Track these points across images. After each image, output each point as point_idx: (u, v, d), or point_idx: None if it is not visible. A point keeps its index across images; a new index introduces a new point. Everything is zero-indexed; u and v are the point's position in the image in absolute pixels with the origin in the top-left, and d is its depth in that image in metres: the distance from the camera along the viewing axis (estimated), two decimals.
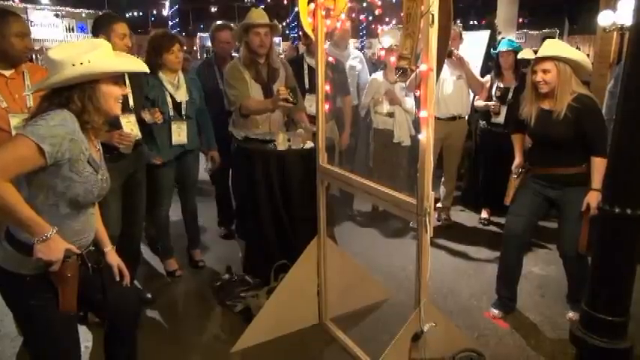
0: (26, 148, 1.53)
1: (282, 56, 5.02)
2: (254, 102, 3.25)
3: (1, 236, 1.71)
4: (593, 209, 2.55)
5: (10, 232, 1.68)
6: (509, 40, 4.42)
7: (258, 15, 3.26)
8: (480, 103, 4.40)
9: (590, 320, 1.46)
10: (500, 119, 4.26)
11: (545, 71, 2.66)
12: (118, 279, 1.96)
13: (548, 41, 2.80)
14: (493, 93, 4.28)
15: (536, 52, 2.90)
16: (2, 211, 1.53)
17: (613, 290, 1.43)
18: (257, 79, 3.31)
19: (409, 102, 4.20)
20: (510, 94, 4.18)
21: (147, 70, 1.88)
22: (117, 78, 1.76)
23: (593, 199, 2.56)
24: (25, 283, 1.66)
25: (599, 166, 2.56)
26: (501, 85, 4.25)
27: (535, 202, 2.88)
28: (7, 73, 2.45)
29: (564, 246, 2.82)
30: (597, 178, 2.57)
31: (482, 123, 4.52)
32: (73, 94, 1.63)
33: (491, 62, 4.68)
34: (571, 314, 2.96)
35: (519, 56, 3.87)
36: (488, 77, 4.41)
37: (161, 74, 3.18)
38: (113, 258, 1.97)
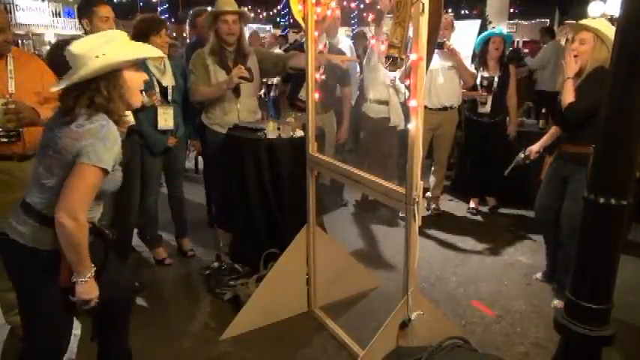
0: (94, 177, 1.63)
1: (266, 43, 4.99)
2: (206, 88, 3.30)
3: (19, 211, 1.74)
4: None
5: (30, 204, 1.71)
6: (500, 28, 4.42)
7: (226, 2, 3.25)
8: (464, 92, 4.39)
9: (574, 308, 1.48)
10: (487, 109, 4.27)
11: (581, 41, 2.62)
12: None
13: (598, 19, 2.78)
14: (478, 82, 4.28)
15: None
16: (74, 245, 1.62)
17: (597, 279, 1.45)
18: (221, 64, 3.32)
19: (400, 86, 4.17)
20: (495, 84, 4.20)
21: (162, 55, 1.98)
22: (137, 66, 1.81)
23: None
24: (40, 258, 1.71)
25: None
26: (486, 75, 4.25)
27: (552, 184, 2.90)
28: None
29: (562, 223, 2.81)
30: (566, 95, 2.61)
31: (467, 113, 4.53)
32: (100, 85, 1.67)
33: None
34: (556, 302, 3.00)
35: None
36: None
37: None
38: None
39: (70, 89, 1.66)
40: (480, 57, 4.30)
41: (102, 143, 1.64)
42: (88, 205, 1.65)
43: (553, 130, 3.10)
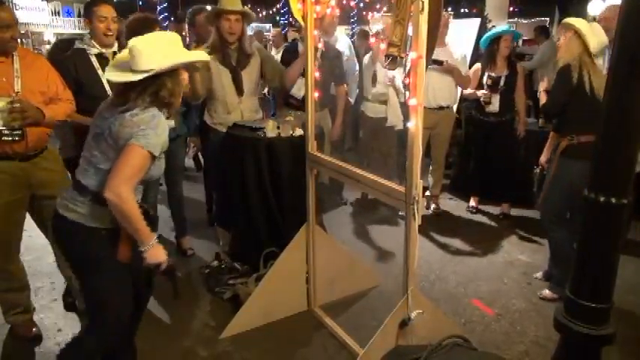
0: (142, 158, 1.76)
1: (271, 42, 4.96)
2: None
3: (74, 194, 1.86)
4: None
5: (87, 186, 1.83)
6: (503, 26, 4.40)
7: (230, 1, 3.22)
8: (468, 91, 4.37)
9: (574, 307, 1.48)
10: (493, 108, 4.24)
11: (565, 37, 2.90)
12: None
13: (592, 23, 3.04)
14: (484, 82, 4.25)
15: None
16: (125, 218, 1.75)
17: (597, 278, 1.45)
18: (224, 63, 3.29)
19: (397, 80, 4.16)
20: (502, 82, 4.17)
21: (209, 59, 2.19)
22: (185, 68, 1.97)
23: None
24: (100, 237, 1.86)
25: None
26: (493, 74, 4.21)
27: (547, 176, 3.08)
28: None
29: (540, 209, 3.10)
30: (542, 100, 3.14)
31: (472, 112, 4.51)
32: (165, 80, 1.82)
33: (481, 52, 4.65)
34: (545, 292, 3.07)
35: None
36: (477, 66, 4.36)
37: None
38: None
39: (135, 83, 1.79)
40: (489, 55, 4.24)
41: (153, 131, 1.77)
42: (131, 182, 1.75)
43: (552, 135, 3.19)
